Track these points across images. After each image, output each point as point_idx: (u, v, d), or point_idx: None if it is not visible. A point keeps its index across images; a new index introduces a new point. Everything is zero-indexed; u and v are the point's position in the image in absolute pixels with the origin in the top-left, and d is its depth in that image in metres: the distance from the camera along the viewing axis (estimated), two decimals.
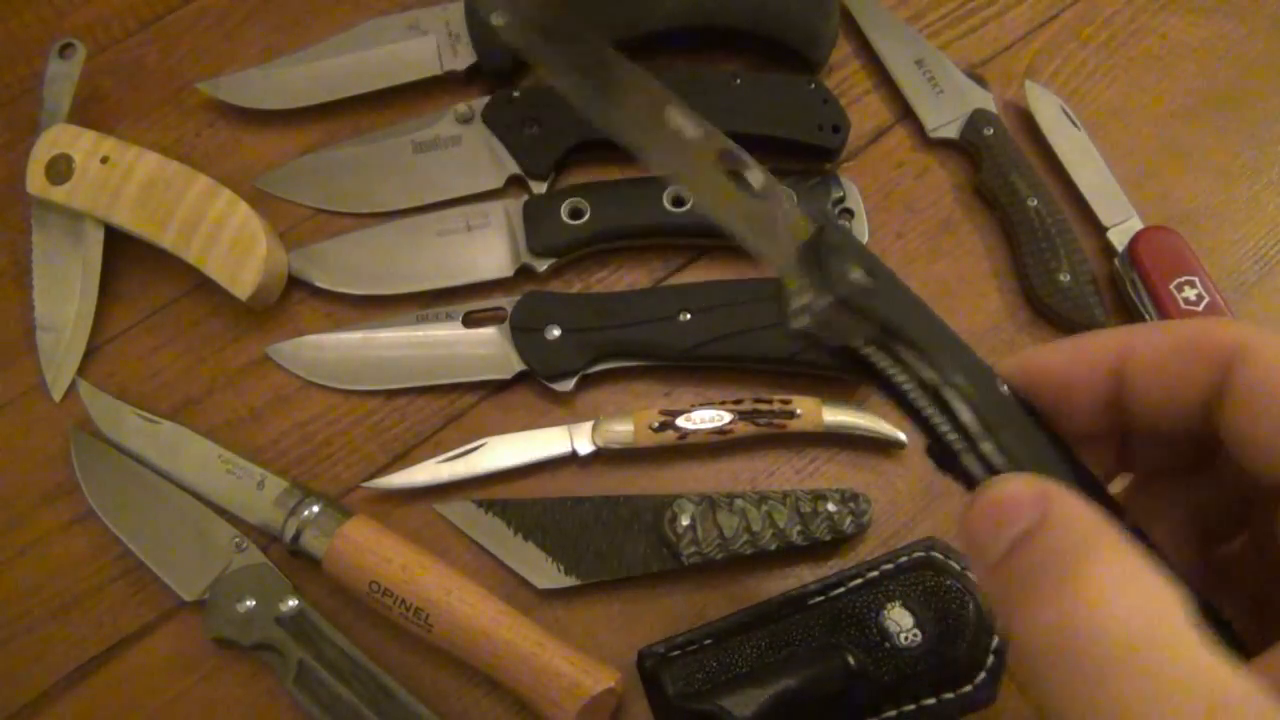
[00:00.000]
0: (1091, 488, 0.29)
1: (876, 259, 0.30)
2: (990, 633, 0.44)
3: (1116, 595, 0.23)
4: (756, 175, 0.31)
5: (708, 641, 0.45)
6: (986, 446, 0.28)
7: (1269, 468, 0.26)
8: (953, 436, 0.29)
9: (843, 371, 0.54)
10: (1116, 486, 0.33)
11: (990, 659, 0.44)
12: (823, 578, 0.47)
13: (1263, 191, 0.60)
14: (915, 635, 0.44)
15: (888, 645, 0.44)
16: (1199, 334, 0.28)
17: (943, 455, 0.30)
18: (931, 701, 0.44)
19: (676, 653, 0.45)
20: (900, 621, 0.45)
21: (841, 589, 0.46)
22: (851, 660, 0.44)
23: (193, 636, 0.50)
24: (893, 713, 0.44)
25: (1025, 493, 0.26)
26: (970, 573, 0.45)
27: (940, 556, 0.46)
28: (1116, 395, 0.29)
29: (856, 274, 0.29)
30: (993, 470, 0.28)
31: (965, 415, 0.29)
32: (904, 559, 0.46)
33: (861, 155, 0.62)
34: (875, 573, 0.46)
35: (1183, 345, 0.28)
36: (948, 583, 0.45)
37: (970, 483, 0.29)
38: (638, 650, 0.46)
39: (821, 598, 0.46)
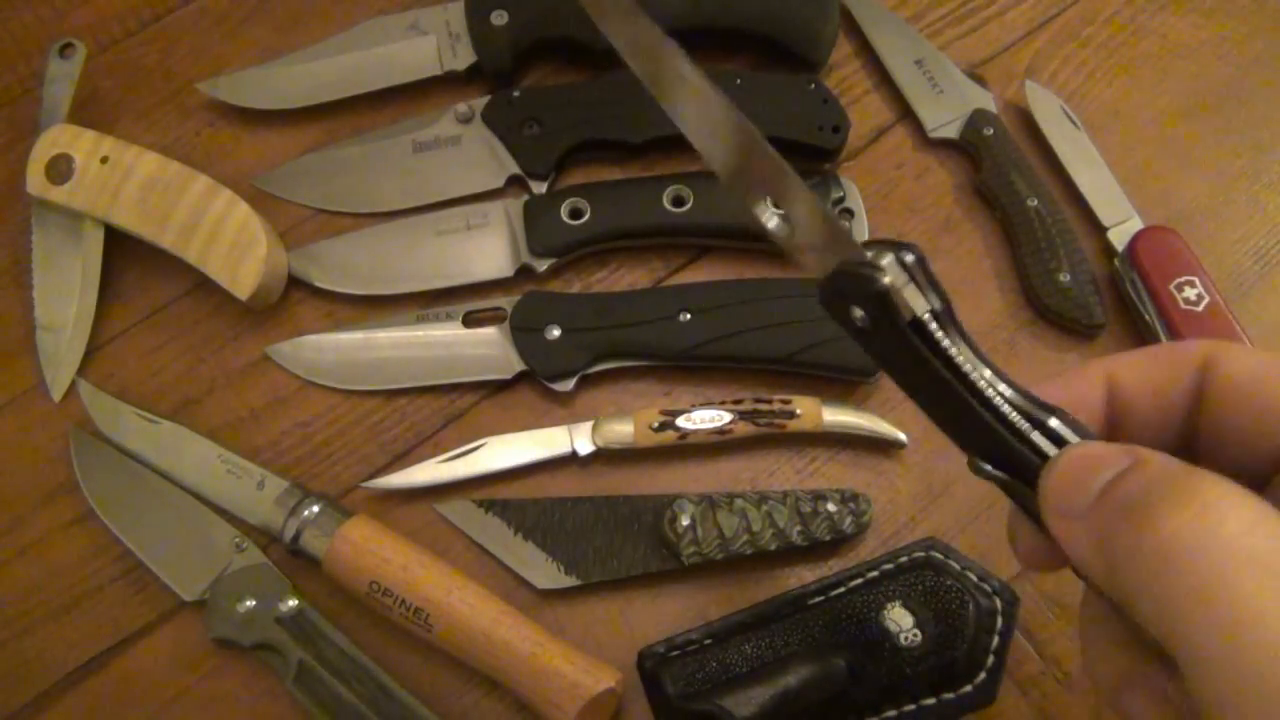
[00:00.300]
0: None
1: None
2: (990, 632, 0.44)
3: (1233, 507, 0.23)
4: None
5: (708, 641, 0.45)
6: (1054, 421, 0.28)
7: (1245, 459, 0.28)
8: (1016, 416, 0.29)
9: (843, 372, 0.54)
10: None
11: (990, 659, 0.44)
12: (823, 578, 0.47)
13: (1263, 191, 0.60)
14: (915, 635, 0.44)
15: (888, 645, 0.44)
16: (1172, 350, 0.30)
17: (995, 446, 0.30)
18: (931, 701, 0.44)
19: (676, 653, 0.45)
20: (900, 621, 0.45)
21: (841, 589, 0.46)
22: (851, 660, 0.44)
23: (193, 636, 0.50)
24: (893, 713, 0.44)
25: (1110, 449, 0.27)
26: (969, 572, 0.45)
27: (940, 556, 0.46)
28: (1111, 414, 0.31)
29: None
30: (1062, 443, 0.28)
31: (1020, 398, 0.29)
32: (904, 559, 0.46)
33: (861, 155, 0.62)
34: (875, 573, 0.46)
35: (1159, 358, 0.30)
36: (948, 583, 0.45)
37: (1022, 475, 0.29)
38: (638, 650, 0.46)
39: (821, 598, 0.46)
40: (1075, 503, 0.26)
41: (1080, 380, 0.31)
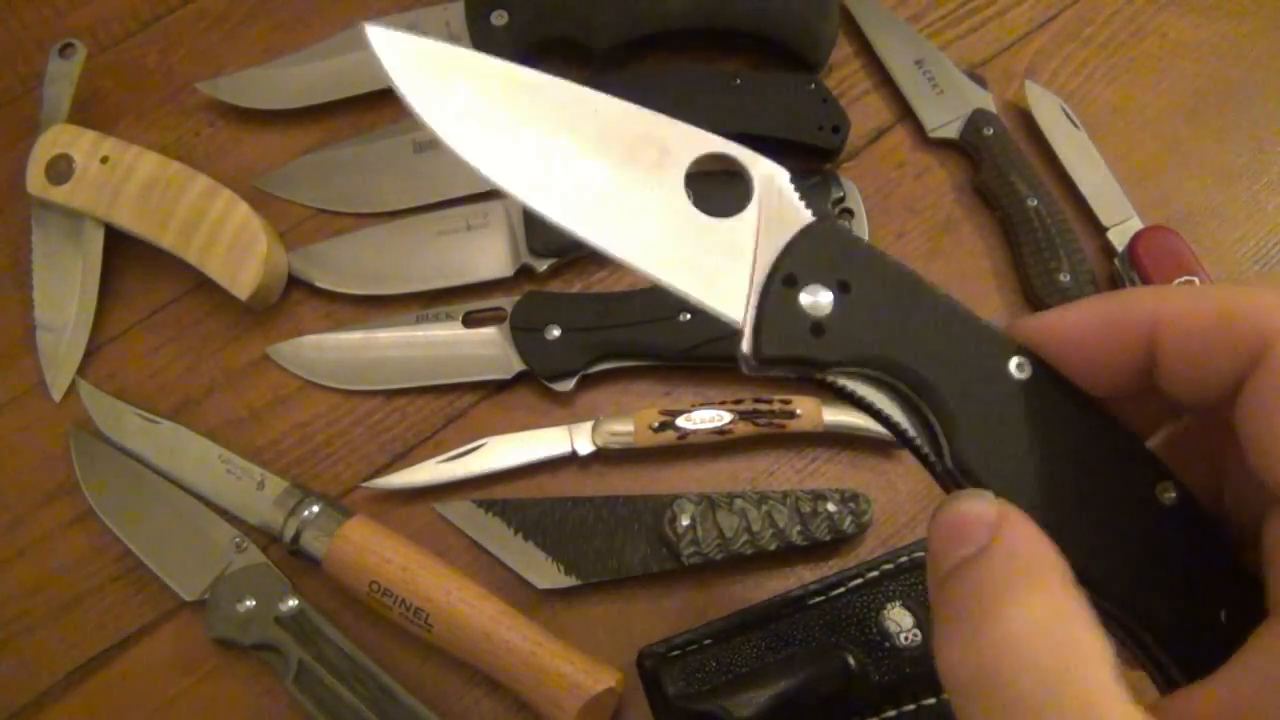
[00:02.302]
0: (1119, 447, 0.29)
1: (866, 253, 0.30)
2: None
3: (1035, 638, 0.23)
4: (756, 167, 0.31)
5: (708, 641, 0.45)
6: (955, 467, 0.28)
7: (1269, 475, 0.25)
8: (926, 451, 0.29)
9: None
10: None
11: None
12: (823, 578, 0.47)
13: (1262, 191, 0.60)
14: (915, 635, 0.44)
15: (888, 645, 0.44)
16: (1234, 312, 0.26)
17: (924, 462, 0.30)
18: (931, 701, 0.44)
19: (676, 653, 0.45)
20: (900, 621, 0.45)
21: (841, 589, 0.46)
22: (851, 660, 0.44)
23: (193, 636, 0.50)
24: (892, 713, 0.44)
25: (983, 514, 0.26)
26: None
27: None
28: (1147, 363, 0.27)
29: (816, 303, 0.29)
30: (959, 482, 0.28)
31: (938, 428, 0.29)
32: (904, 559, 0.46)
33: (861, 155, 0.62)
34: (875, 573, 0.46)
35: (1214, 325, 0.26)
36: None
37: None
38: (638, 650, 0.46)
39: (821, 598, 0.46)
40: (936, 568, 0.26)
41: (1118, 315, 0.28)
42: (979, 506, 0.26)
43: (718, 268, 0.30)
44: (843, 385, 0.30)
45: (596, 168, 0.29)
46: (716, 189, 0.31)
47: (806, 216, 0.30)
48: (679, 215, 0.30)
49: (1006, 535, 0.25)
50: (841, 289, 0.29)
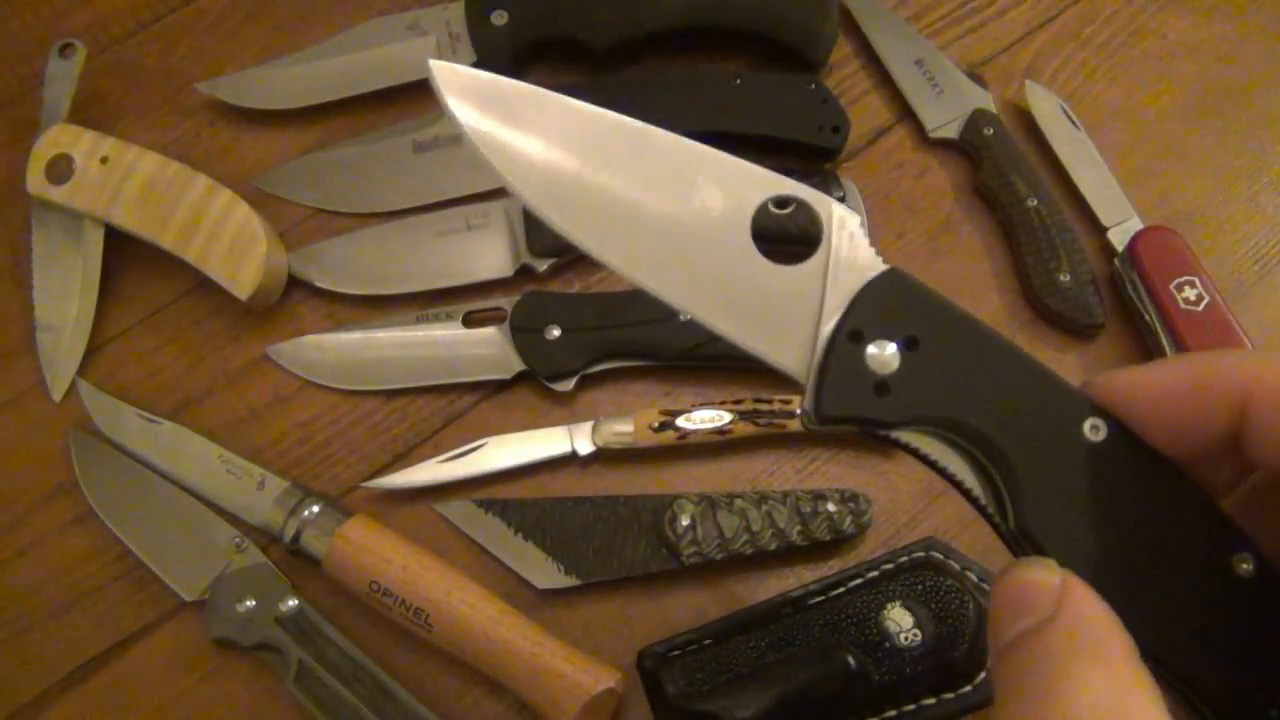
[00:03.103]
0: (1195, 513, 0.28)
1: (938, 307, 0.29)
2: None
3: (1097, 708, 0.23)
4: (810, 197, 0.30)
5: (708, 641, 0.45)
6: (1018, 530, 0.28)
7: None
8: (991, 512, 0.29)
9: None
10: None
11: (990, 659, 0.44)
12: (822, 578, 0.47)
13: (1262, 191, 0.60)
14: (915, 635, 0.44)
15: (887, 645, 0.44)
16: (1217, 373, 0.26)
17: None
18: (931, 702, 0.44)
19: (676, 653, 0.45)
20: (900, 621, 0.45)
21: (841, 589, 0.46)
22: (851, 660, 0.44)
23: (193, 636, 0.50)
24: (892, 713, 0.44)
25: (1045, 584, 0.26)
26: (969, 572, 0.45)
27: (940, 556, 0.46)
28: (1235, 428, 0.27)
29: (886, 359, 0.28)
30: (1024, 547, 0.28)
31: (1004, 490, 0.28)
32: (904, 559, 0.46)
33: (861, 155, 0.62)
34: (875, 573, 0.46)
35: (1198, 390, 0.27)
36: (947, 583, 0.45)
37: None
38: (638, 650, 0.46)
39: (821, 598, 0.46)
40: (997, 637, 0.26)
41: (1208, 377, 0.27)
42: (1041, 576, 0.26)
43: (781, 319, 0.29)
44: (907, 442, 0.29)
45: (658, 209, 0.29)
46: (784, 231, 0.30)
47: (878, 265, 0.29)
48: (743, 261, 0.29)
49: (1069, 607, 0.25)
50: (909, 345, 0.28)
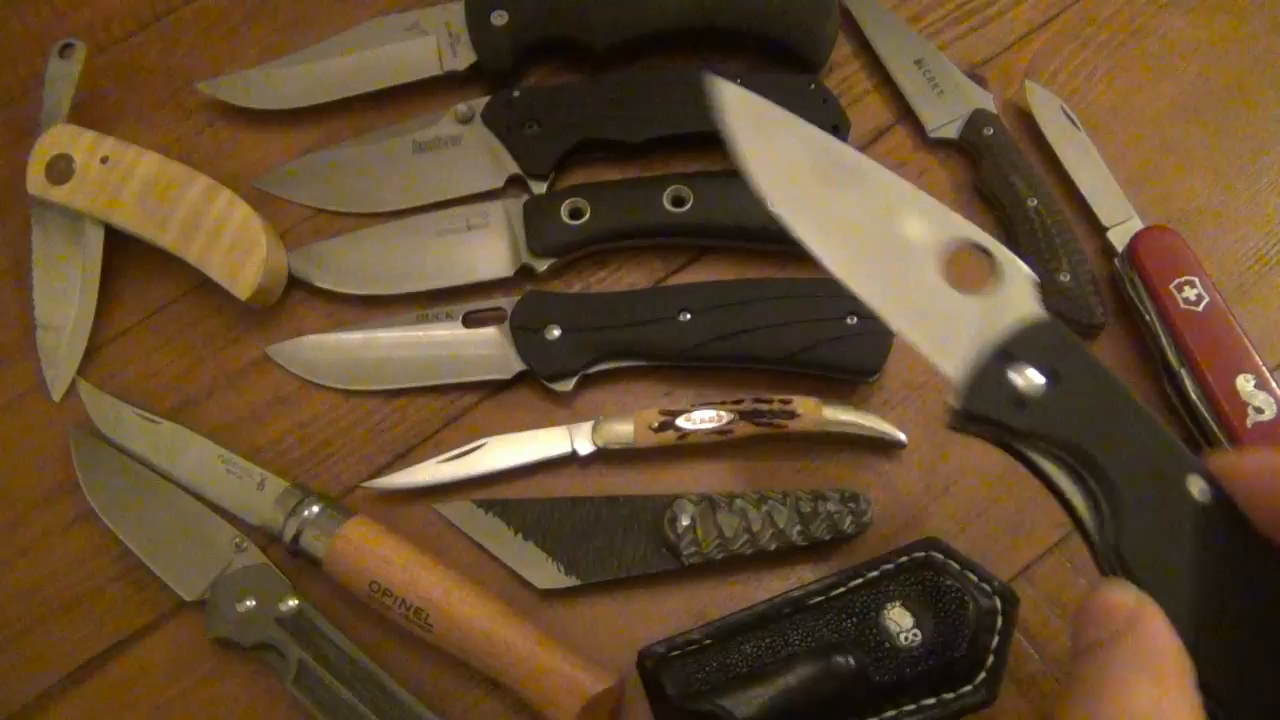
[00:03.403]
0: (1275, 589, 0.31)
1: (1083, 355, 0.35)
2: (990, 632, 0.44)
3: (1144, 715, 0.27)
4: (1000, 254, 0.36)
5: (708, 641, 0.45)
6: (1112, 553, 0.32)
7: None
8: (1092, 533, 0.33)
9: (843, 372, 0.54)
10: None
11: (990, 659, 0.44)
12: (822, 578, 0.47)
13: (1263, 192, 0.60)
14: (915, 635, 0.44)
15: (887, 645, 0.44)
16: None
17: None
18: (931, 701, 0.44)
19: (676, 653, 0.45)
20: (900, 621, 0.45)
21: (841, 589, 0.46)
22: (851, 660, 0.43)
23: (193, 636, 0.50)
24: (892, 713, 0.44)
25: (1123, 603, 0.30)
26: (969, 572, 0.45)
27: (940, 556, 0.46)
28: None
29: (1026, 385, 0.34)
30: (1114, 569, 0.32)
31: (1107, 518, 0.33)
32: (904, 559, 0.46)
33: None
34: (875, 573, 0.46)
35: None
36: (947, 583, 0.45)
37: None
38: (638, 650, 0.46)
39: (821, 598, 0.46)
40: (1078, 639, 0.30)
41: None
42: (1121, 596, 0.30)
43: (952, 331, 0.35)
44: (1031, 457, 0.35)
45: (868, 226, 0.37)
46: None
47: (1040, 313, 0.35)
48: (929, 282, 0.36)
49: (1139, 626, 0.29)
50: (1052, 378, 0.34)
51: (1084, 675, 0.29)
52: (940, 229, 0.37)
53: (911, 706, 0.44)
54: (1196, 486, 0.33)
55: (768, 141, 0.39)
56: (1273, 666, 0.31)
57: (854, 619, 0.45)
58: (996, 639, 0.44)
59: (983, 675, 0.44)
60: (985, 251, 0.36)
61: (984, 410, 0.34)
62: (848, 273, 0.36)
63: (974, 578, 0.45)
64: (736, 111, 0.41)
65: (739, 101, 0.41)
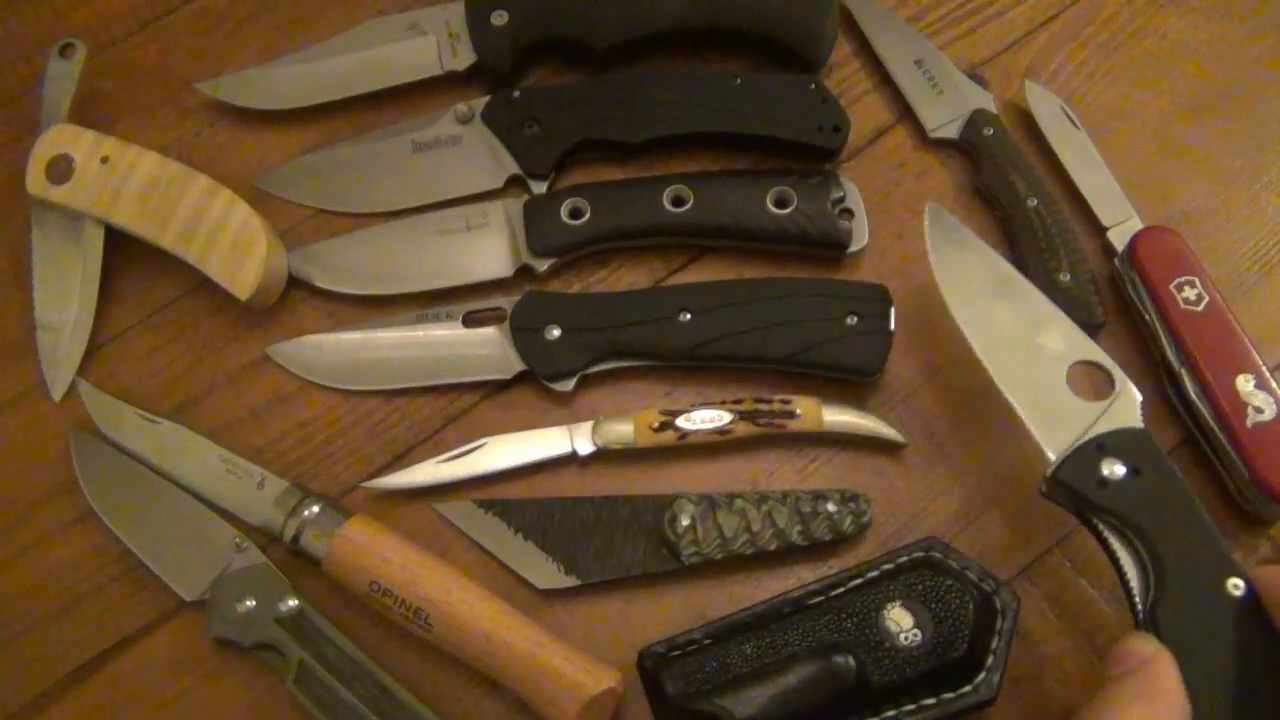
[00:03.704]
0: (1273, 682, 0.39)
1: (1162, 461, 0.44)
2: (990, 632, 0.44)
3: (1135, 696, 0.37)
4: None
5: (708, 641, 0.45)
6: (1149, 616, 0.41)
7: None
8: (1136, 601, 0.42)
9: (843, 372, 0.54)
10: None
11: (990, 659, 0.44)
12: (822, 578, 0.47)
13: (1263, 192, 0.60)
14: (915, 635, 0.44)
15: (887, 645, 0.44)
16: None
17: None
18: (931, 701, 0.44)
19: (676, 653, 0.45)
20: (900, 621, 0.45)
21: (841, 589, 0.46)
22: (851, 660, 0.44)
23: (193, 636, 0.50)
24: (892, 712, 0.44)
25: (1142, 649, 0.39)
26: (969, 572, 0.45)
27: (940, 556, 0.46)
28: None
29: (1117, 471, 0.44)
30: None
31: (1152, 592, 0.42)
32: (904, 559, 0.46)
33: (861, 155, 0.62)
34: (875, 572, 0.46)
35: None
36: (947, 582, 0.45)
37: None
38: (638, 650, 0.46)
39: (821, 598, 0.46)
40: (1107, 669, 0.39)
41: None
42: (1143, 644, 0.39)
43: (1063, 421, 0.46)
44: (1101, 530, 0.44)
45: (1015, 334, 0.49)
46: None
47: (1139, 425, 0.45)
48: (1054, 383, 0.47)
49: (1149, 667, 0.38)
50: (1133, 472, 0.44)
51: (1097, 699, 0.37)
52: (1074, 347, 0.48)
53: (912, 706, 0.44)
54: (1232, 583, 0.41)
55: (956, 253, 0.51)
56: None
57: (854, 619, 0.45)
58: (997, 639, 0.44)
59: (983, 675, 0.44)
60: (1107, 371, 0.47)
61: (1071, 480, 0.44)
62: (993, 362, 0.48)
63: (974, 577, 0.45)
64: (933, 226, 0.51)
65: (935, 217, 0.52)
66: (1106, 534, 0.44)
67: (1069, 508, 0.45)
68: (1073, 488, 0.44)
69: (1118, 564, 0.43)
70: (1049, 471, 0.45)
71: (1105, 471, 0.44)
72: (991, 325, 0.49)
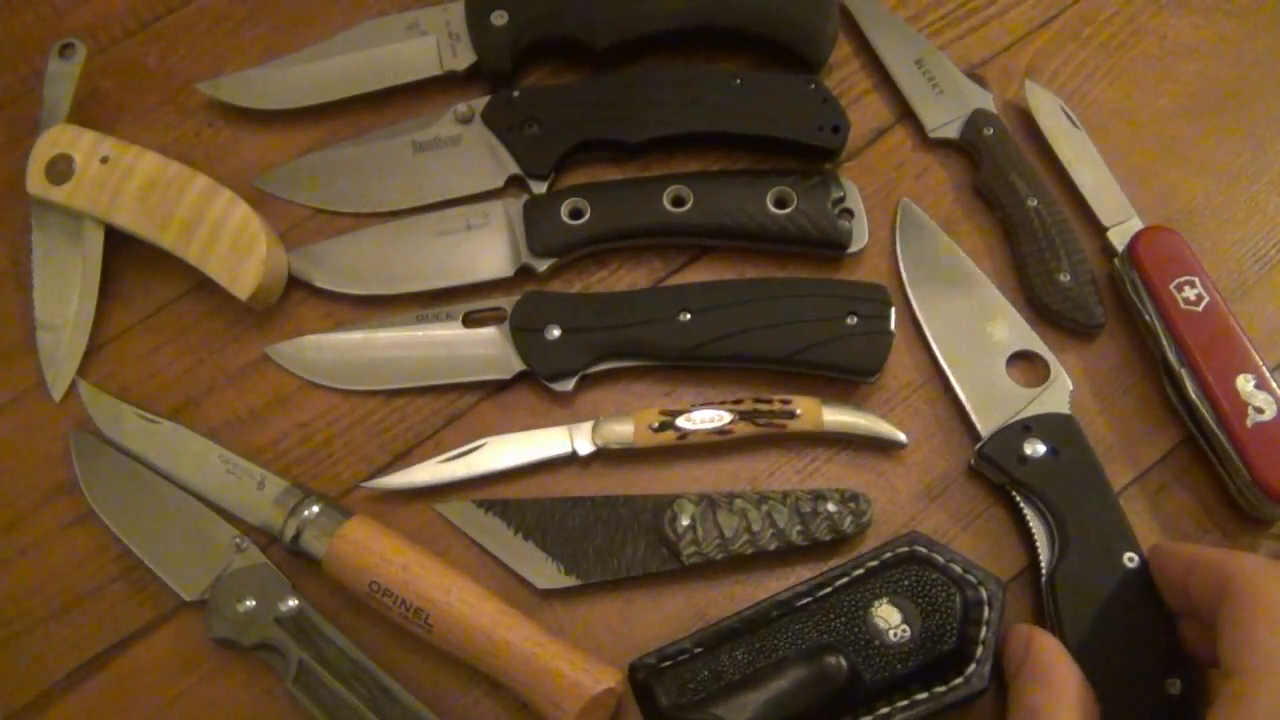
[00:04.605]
0: (1156, 642, 0.45)
1: (1082, 446, 0.50)
2: (978, 623, 0.44)
3: (1030, 684, 0.42)
4: None
5: (698, 650, 0.45)
6: (1049, 581, 0.48)
7: (1223, 652, 0.39)
8: (1041, 565, 0.49)
9: (843, 372, 0.54)
10: None
11: (979, 649, 0.44)
12: (808, 579, 0.47)
13: (1263, 191, 0.60)
14: (904, 631, 0.44)
15: (877, 643, 0.44)
16: (1215, 564, 0.41)
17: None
18: (923, 695, 0.44)
19: (667, 663, 0.45)
20: (888, 618, 0.45)
21: (828, 589, 0.46)
22: (842, 661, 0.44)
23: (193, 636, 0.50)
24: (885, 709, 0.44)
25: (1021, 637, 0.44)
26: (954, 564, 0.46)
27: (924, 550, 0.46)
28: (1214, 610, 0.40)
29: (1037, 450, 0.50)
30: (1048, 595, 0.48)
31: (1057, 558, 0.48)
32: (888, 555, 0.46)
33: (861, 155, 0.62)
34: (860, 570, 0.46)
35: (1202, 570, 0.42)
36: (932, 576, 0.45)
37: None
38: (629, 663, 0.46)
39: (809, 599, 0.46)
40: (1005, 670, 0.44)
41: (1176, 559, 0.44)
42: (1016, 636, 0.44)
43: (998, 402, 0.52)
44: (1017, 499, 0.50)
45: (967, 325, 0.55)
46: None
47: (1065, 412, 0.51)
48: (995, 369, 0.53)
49: (1032, 647, 0.43)
50: (1053, 452, 0.50)
51: (1009, 704, 0.42)
52: (1017, 338, 0.54)
53: (904, 702, 0.44)
54: (1128, 556, 0.47)
55: (920, 246, 0.57)
56: (1138, 686, 0.44)
57: (843, 618, 0.45)
58: (985, 629, 0.44)
59: (973, 666, 0.44)
60: (1046, 361, 0.53)
61: (995, 454, 0.50)
62: (942, 347, 0.54)
63: (959, 569, 0.46)
64: (903, 220, 0.58)
65: (906, 212, 0.58)
66: (1022, 504, 0.50)
67: (993, 479, 0.51)
68: (996, 461, 0.50)
69: (1029, 532, 0.49)
70: (977, 446, 0.51)
71: (1028, 450, 0.50)
72: (944, 313, 0.55)
